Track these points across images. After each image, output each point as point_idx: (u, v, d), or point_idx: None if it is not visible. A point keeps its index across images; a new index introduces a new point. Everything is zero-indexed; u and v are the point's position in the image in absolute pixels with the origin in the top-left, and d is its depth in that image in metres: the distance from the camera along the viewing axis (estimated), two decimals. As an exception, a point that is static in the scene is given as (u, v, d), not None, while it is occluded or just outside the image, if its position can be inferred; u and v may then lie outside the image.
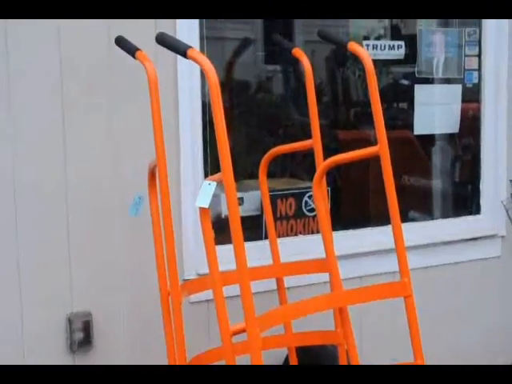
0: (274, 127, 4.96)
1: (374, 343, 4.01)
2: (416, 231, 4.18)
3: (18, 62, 3.14)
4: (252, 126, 4.92)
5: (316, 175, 3.25)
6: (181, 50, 2.71)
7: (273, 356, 3.62)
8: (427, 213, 4.72)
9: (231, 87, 4.82)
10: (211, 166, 3.58)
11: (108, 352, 3.41)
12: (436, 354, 3.94)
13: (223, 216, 3.83)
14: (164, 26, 3.23)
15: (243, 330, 2.67)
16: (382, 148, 3.08)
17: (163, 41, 2.85)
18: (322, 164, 3.30)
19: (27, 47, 3.15)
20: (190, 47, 2.68)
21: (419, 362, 3.07)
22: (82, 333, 3.31)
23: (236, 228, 2.63)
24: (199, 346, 3.19)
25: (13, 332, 3.23)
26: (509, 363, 4.54)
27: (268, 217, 3.55)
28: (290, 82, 5.32)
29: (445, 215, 4.70)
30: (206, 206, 2.80)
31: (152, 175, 3.16)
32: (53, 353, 3.30)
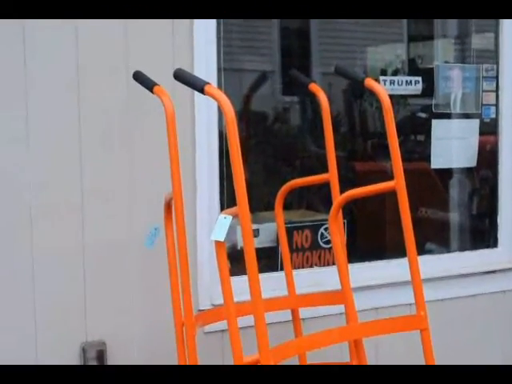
0: (291, 158, 4.99)
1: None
2: (432, 264, 4.16)
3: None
4: (269, 157, 4.94)
5: (332, 210, 3.25)
6: (198, 86, 2.74)
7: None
8: (444, 245, 4.70)
9: (248, 118, 4.85)
10: (227, 198, 3.60)
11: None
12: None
13: (239, 247, 3.83)
14: (182, 58, 3.29)
15: (257, 362, 2.67)
16: (398, 183, 3.08)
17: (181, 77, 2.88)
18: (337, 198, 3.30)
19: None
20: (207, 83, 2.71)
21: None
22: (96, 361, 3.31)
23: (251, 259, 2.64)
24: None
25: (28, 361, 3.24)
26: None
27: (284, 248, 3.56)
28: (307, 113, 5.34)
29: (462, 248, 4.67)
30: (222, 240, 2.81)
31: (168, 207, 3.18)
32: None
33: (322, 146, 3.48)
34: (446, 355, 3.98)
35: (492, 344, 4.41)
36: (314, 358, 3.45)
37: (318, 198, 4.69)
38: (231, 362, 2.79)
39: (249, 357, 2.74)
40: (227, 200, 3.56)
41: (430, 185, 4.81)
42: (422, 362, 3.07)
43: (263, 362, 2.61)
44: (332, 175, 3.48)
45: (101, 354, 3.32)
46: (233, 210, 2.79)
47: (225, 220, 2.83)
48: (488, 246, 4.50)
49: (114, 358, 3.38)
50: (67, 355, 3.30)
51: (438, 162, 4.46)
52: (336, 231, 3.25)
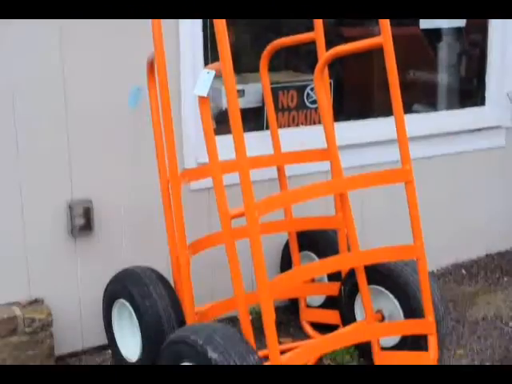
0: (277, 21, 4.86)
1: (374, 228, 4.06)
2: (420, 122, 4.18)
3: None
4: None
5: (318, 66, 3.21)
6: None
7: (273, 242, 3.69)
8: (432, 105, 4.68)
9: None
10: (211, 58, 3.53)
11: (108, 238, 3.46)
12: (435, 239, 4.03)
13: (224, 108, 3.80)
14: None
15: (242, 214, 2.70)
16: (385, 38, 2.98)
17: None
18: (324, 55, 3.25)
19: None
20: None
21: (418, 244, 3.09)
22: (83, 219, 3.34)
23: (235, 114, 2.63)
24: (200, 233, 3.23)
25: (15, 219, 3.27)
26: (508, 248, 4.64)
27: (269, 107, 3.54)
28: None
29: (449, 107, 4.66)
30: (205, 95, 2.79)
31: (151, 67, 3.14)
32: (54, 238, 3.36)
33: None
34: (431, 209, 4.08)
35: (477, 198, 4.50)
36: (300, 212, 3.50)
37: (305, 61, 4.62)
38: (217, 219, 2.83)
39: (234, 209, 2.78)
40: (211, 58, 3.50)
41: (418, 47, 4.73)
42: (407, 217, 3.12)
43: (248, 214, 2.64)
44: (318, 34, 3.41)
45: (87, 211, 3.35)
46: (216, 64, 2.75)
47: (208, 75, 2.80)
48: (475, 105, 4.49)
49: (101, 217, 3.42)
50: (54, 213, 3.33)
51: (426, 22, 4.37)
52: (322, 88, 3.22)
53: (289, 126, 4.02)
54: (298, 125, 4.04)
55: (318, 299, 3.73)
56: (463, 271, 4.44)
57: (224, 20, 2.58)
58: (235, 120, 2.63)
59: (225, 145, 3.00)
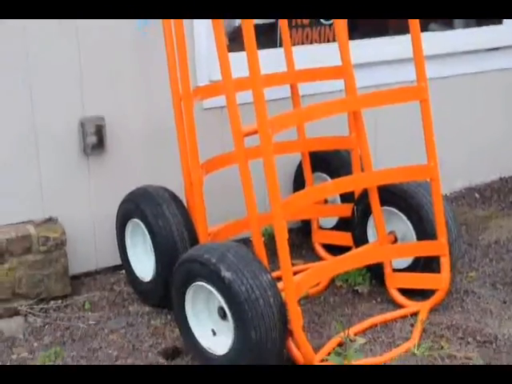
0: None
1: (388, 148, 4.02)
2: (437, 40, 4.08)
3: None
4: None
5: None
6: None
7: (285, 165, 3.65)
8: (448, 23, 4.56)
9: None
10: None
11: (121, 156, 3.44)
12: (449, 162, 3.99)
13: (237, 25, 3.72)
14: None
15: (255, 132, 2.66)
16: None
17: None
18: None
19: None
20: None
21: (432, 165, 3.06)
22: (95, 136, 3.31)
23: (248, 32, 2.56)
24: (212, 153, 3.20)
25: (28, 138, 3.25)
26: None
27: (282, 24, 3.47)
28: None
29: (466, 26, 4.54)
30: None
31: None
32: (67, 156, 3.34)
33: None
34: (444, 131, 4.03)
35: (491, 121, 4.43)
36: (313, 131, 3.46)
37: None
38: (230, 139, 2.79)
39: (247, 127, 2.74)
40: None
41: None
42: (420, 138, 3.08)
43: (261, 132, 2.60)
44: None
45: (99, 129, 3.31)
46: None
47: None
48: (493, 23, 4.37)
49: (113, 135, 3.39)
50: (66, 130, 3.30)
51: None
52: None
53: (302, 43, 3.93)
54: (311, 42, 3.96)
55: (331, 221, 3.72)
56: (476, 195, 4.41)
57: None
58: (249, 37, 2.57)
59: (238, 62, 2.93)
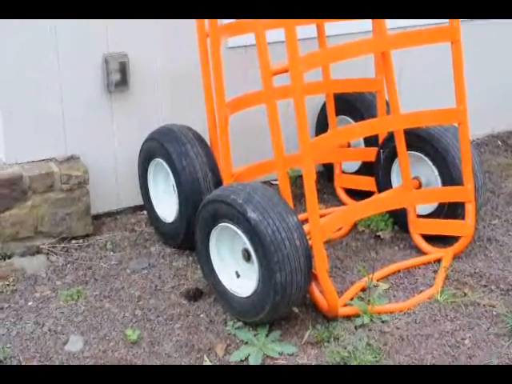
0: None
1: (413, 91, 3.90)
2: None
3: None
4: None
5: None
6: None
7: (310, 105, 3.57)
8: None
9: None
10: None
11: (145, 95, 3.39)
12: (471, 108, 3.90)
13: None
14: None
15: (285, 70, 2.60)
16: None
17: None
18: None
19: None
20: None
21: (461, 108, 3.00)
22: (119, 74, 3.25)
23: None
24: (235, 92, 3.13)
25: (52, 74, 3.19)
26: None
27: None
28: None
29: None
30: None
31: None
32: (91, 93, 3.29)
33: None
34: (468, 76, 3.93)
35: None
36: (339, 74, 3.39)
37: None
38: (253, 79, 2.73)
39: (277, 65, 2.67)
40: None
41: None
42: (448, 80, 3.01)
43: (292, 70, 2.54)
44: None
45: (123, 66, 3.25)
46: None
47: None
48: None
49: (136, 73, 3.33)
50: (90, 67, 3.25)
51: None
52: None
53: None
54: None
55: (353, 165, 3.68)
56: (499, 142, 4.35)
57: None
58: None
59: None
